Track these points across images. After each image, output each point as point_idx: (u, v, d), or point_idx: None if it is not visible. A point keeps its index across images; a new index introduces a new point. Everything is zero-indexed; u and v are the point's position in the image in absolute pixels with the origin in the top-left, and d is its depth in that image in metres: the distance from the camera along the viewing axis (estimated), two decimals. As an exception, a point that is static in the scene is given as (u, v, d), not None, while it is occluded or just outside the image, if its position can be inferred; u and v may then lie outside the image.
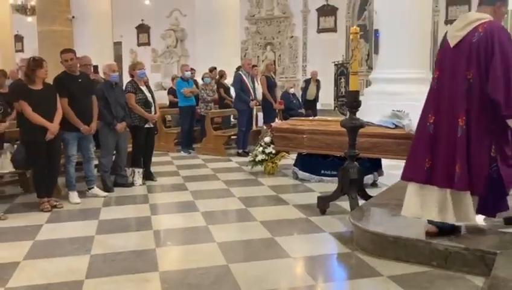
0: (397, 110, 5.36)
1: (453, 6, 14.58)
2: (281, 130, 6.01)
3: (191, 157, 7.82)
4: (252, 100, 7.80)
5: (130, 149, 5.90)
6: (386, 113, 5.45)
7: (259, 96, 8.62)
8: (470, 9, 14.22)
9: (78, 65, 5.14)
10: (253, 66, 9.47)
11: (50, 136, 4.55)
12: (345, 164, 4.29)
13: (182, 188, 5.59)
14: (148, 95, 5.86)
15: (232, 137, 8.51)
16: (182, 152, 8.15)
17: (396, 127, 5.20)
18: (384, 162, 5.81)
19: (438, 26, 14.69)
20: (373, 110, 7.47)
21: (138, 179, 5.74)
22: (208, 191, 5.42)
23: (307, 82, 11.46)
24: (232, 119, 9.05)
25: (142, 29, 19.97)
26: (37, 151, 4.55)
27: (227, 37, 11.90)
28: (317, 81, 11.45)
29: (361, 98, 4.40)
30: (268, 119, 7.91)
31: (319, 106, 11.66)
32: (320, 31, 16.78)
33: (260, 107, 8.62)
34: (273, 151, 6.17)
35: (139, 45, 20.18)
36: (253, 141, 7.80)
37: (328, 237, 3.82)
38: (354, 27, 4.24)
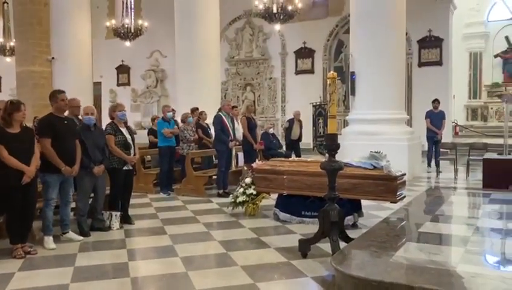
0: (375, 151, 5.42)
1: (425, 50, 15.15)
2: (262, 171, 6.00)
3: (170, 199, 7.70)
4: (231, 141, 7.82)
5: (107, 191, 5.79)
6: (364, 154, 5.50)
7: (240, 137, 8.66)
8: (441, 52, 14.84)
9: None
10: (234, 106, 9.57)
11: (26, 179, 4.44)
12: (325, 206, 4.28)
13: (161, 232, 5.47)
14: (128, 136, 5.82)
15: (213, 177, 8.45)
16: (161, 193, 8.04)
17: (375, 168, 5.24)
18: (364, 202, 5.82)
19: (412, 68, 15.21)
20: (351, 150, 7.57)
21: (115, 222, 5.61)
22: (187, 235, 5.31)
23: (291, 122, 11.65)
24: (214, 159, 9.03)
25: (122, 69, 20.07)
26: (12, 196, 4.42)
27: (207, 78, 12.03)
28: (300, 121, 11.64)
29: (339, 138, 4.46)
30: (249, 160, 7.92)
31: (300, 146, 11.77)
32: (298, 72, 17.16)
33: (240, 147, 8.64)
34: (254, 193, 6.13)
35: (118, 85, 20.22)
36: (234, 181, 7.75)
37: (309, 282, 3.76)
38: (331, 72, 4.33)
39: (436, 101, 11.02)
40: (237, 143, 8.33)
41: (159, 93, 18.85)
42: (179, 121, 9.16)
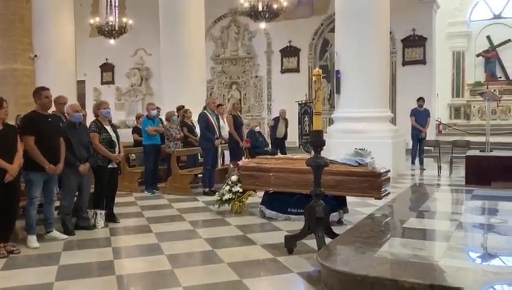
0: (360, 149, 5.47)
1: (409, 48, 15.31)
2: (248, 169, 6.01)
3: (155, 198, 7.68)
4: (217, 139, 7.82)
5: (92, 190, 5.74)
6: (349, 152, 5.55)
7: (225, 135, 8.65)
8: (424, 51, 15.02)
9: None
10: (219, 105, 9.55)
11: (9, 178, 4.38)
12: (311, 203, 4.31)
13: (146, 230, 5.45)
14: (113, 134, 5.78)
15: (199, 175, 8.44)
16: (146, 192, 8.01)
17: (360, 165, 5.29)
18: (349, 199, 5.88)
19: (396, 67, 15.36)
20: (336, 148, 7.64)
21: (100, 221, 5.57)
22: (173, 233, 5.30)
23: (276, 120, 11.68)
24: (200, 158, 9.02)
25: (106, 67, 19.89)
26: (-7, 195, 4.35)
27: (192, 76, 11.97)
28: (286, 119, 11.67)
29: (324, 135, 4.49)
30: (235, 158, 7.93)
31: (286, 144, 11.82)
32: (283, 71, 17.20)
33: (226, 145, 8.64)
34: (240, 190, 6.14)
35: (103, 83, 20.04)
36: (220, 179, 7.76)
37: (296, 278, 3.79)
38: (317, 69, 4.36)
39: (421, 100, 11.15)
40: (223, 141, 8.33)
41: (143, 91, 18.72)
42: (164, 119, 9.13)
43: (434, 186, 8.01)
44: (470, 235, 4.38)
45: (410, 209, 5.58)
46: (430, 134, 12.50)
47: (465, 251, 3.86)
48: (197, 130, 8.72)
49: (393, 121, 12.28)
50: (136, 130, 9.52)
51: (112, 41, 14.82)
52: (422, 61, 15.08)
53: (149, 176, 8.10)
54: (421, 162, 10.58)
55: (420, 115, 10.97)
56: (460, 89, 18.55)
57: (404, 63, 15.33)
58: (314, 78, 4.28)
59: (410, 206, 5.84)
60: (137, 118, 10.00)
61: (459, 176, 9.20)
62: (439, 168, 10.01)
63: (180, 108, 9.79)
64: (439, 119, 17.03)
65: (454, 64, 18.54)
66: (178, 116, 9.14)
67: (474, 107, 18.21)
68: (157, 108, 9.21)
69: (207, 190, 7.78)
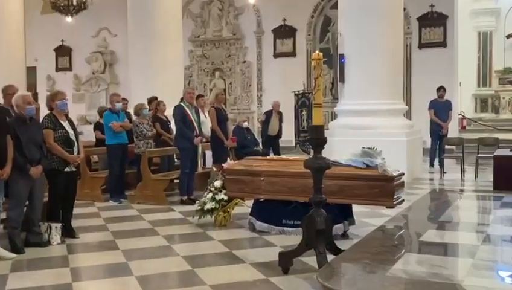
0: (368, 147, 5.51)
1: (427, 28, 15.40)
2: (234, 172, 6.02)
3: (122, 208, 7.66)
4: (197, 136, 7.82)
5: (46, 198, 5.71)
6: (355, 151, 5.59)
7: (207, 132, 8.65)
8: (445, 32, 15.11)
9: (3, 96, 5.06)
10: (199, 96, 9.54)
11: None
12: (310, 212, 4.34)
13: (112, 247, 5.44)
14: (70, 131, 5.77)
15: (175, 181, 8.43)
16: (111, 201, 7.99)
17: (368, 167, 5.33)
18: (355, 208, 5.92)
19: (411, 50, 15.47)
20: (340, 147, 7.67)
21: (56, 236, 5.55)
22: (144, 250, 5.30)
23: (268, 115, 11.71)
24: (176, 160, 9.00)
25: (62, 51, 19.74)
26: None
27: (167, 62, 11.97)
28: (280, 113, 11.70)
29: (326, 132, 4.52)
30: (218, 159, 7.93)
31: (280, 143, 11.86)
32: (277, 55, 17.23)
33: (208, 144, 8.64)
34: (225, 198, 6.15)
35: (58, 70, 19.90)
36: (201, 185, 7.76)
37: (292, 302, 3.81)
38: (317, 52, 4.38)
39: (441, 89, 11.25)
40: (204, 139, 8.32)
41: (107, 80, 18.63)
42: (132, 113, 9.10)
43: (457, 193, 8.08)
44: (499, 249, 4.42)
45: (428, 220, 5.62)
46: (452, 130, 12.65)
47: (494, 268, 3.90)
48: (173, 126, 8.71)
49: (407, 114, 12.37)
50: (98, 127, 9.48)
51: (68, 19, 14.73)
52: (442, 44, 15.21)
53: (114, 182, 8.08)
54: (441, 164, 10.67)
55: (440, 108, 11.08)
56: (487, 76, 18.72)
57: (421, 46, 15.46)
58: (313, 64, 4.30)
59: (428, 216, 5.89)
60: (100, 112, 9.95)
61: (487, 180, 9.29)
62: (463, 170, 10.11)
63: (152, 100, 9.77)
64: (462, 113, 17.19)
65: (480, 47, 18.70)
66: (149, 110, 9.11)
67: (504, 98, 18.40)
68: (124, 100, 9.18)
69: (185, 198, 7.77)
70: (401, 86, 10.55)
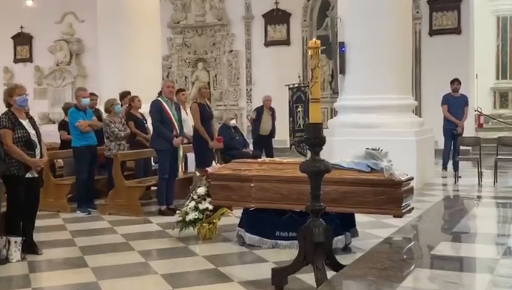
0: (373, 148, 5.53)
1: (438, 13, 15.47)
2: (221, 178, 6.01)
3: (92, 219, 7.65)
4: (177, 136, 7.81)
5: (3, 209, 5.69)
6: (358, 153, 5.61)
7: (189, 131, 8.64)
8: (459, 17, 15.18)
9: None
10: (180, 90, 9.53)
11: None
12: (307, 222, 4.35)
13: (80, 264, 5.43)
14: (32, 131, 5.76)
15: (152, 188, 8.41)
16: (79, 212, 7.98)
17: (373, 170, 5.36)
18: (359, 218, 5.94)
19: (421, 38, 15.54)
20: (341, 148, 7.70)
21: (15, 252, 5.52)
22: (117, 268, 5.29)
23: (259, 112, 11.71)
24: (153, 163, 8.98)
25: (21, 39, 19.66)
26: None
27: (142, 51, 11.94)
28: (272, 110, 11.71)
29: (325, 132, 4.53)
30: (202, 163, 7.91)
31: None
32: (268, 43, 17.25)
33: (190, 145, 8.64)
34: (210, 207, 6.15)
35: (16, 61, 19.81)
36: (182, 192, 7.76)
37: (287, 325, 3.82)
38: (314, 39, 4.41)
39: (456, 82, 11.31)
40: (185, 140, 8.32)
41: (73, 72, 18.56)
42: (102, 110, 9.07)
43: (473, 200, 8.14)
44: (521, 263, 4.46)
45: (441, 231, 5.65)
46: (468, 129, 12.71)
47: (515, 284, 3.93)
48: (149, 125, 8.70)
49: (417, 111, 12.48)
50: (63, 126, 9.40)
51: (29, 2, 14.65)
52: (456, 30, 15.30)
53: (82, 190, 8.05)
54: (456, 167, 10.73)
55: (455, 103, 11.13)
56: (507, 67, 18.80)
57: (432, 33, 15.53)
58: (310, 52, 4.32)
59: (441, 226, 5.91)
60: (66, 109, 9.91)
61: (507, 185, 9.37)
62: (480, 174, 10.18)
63: (124, 95, 9.74)
64: (479, 109, 17.27)
65: (500, 34, 18.78)
66: (122, 106, 9.08)
67: (526, 92, 18.52)
68: (92, 95, 9.15)
69: (164, 207, 7.77)
70: (409, 78, 10.61)
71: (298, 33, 16.92)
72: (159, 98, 7.92)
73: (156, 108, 7.81)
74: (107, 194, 8.16)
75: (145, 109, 8.97)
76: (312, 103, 4.32)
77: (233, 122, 10.81)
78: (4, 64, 19.72)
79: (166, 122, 7.76)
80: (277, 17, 17.12)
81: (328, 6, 16.37)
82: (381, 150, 5.46)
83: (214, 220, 6.29)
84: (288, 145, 14.04)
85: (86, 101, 8.19)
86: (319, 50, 4.32)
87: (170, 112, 7.83)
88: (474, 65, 15.92)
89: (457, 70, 13.46)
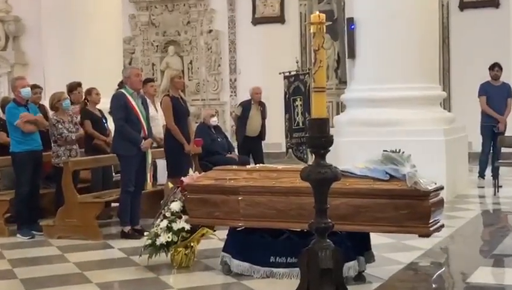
0: (392, 151, 5.55)
1: (471, -20, 15.56)
2: (200, 190, 6.01)
3: (36, 245, 7.62)
4: (145, 138, 7.80)
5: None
6: (373, 157, 5.63)
7: (158, 132, 8.62)
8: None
9: None
10: (147, 80, 9.51)
11: None
12: (310, 244, 4.35)
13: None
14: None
15: (113, 204, 8.39)
16: (20, 235, 7.94)
17: (392, 178, 5.37)
18: (375, 238, 5.94)
19: (450, 13, 15.62)
20: (350, 151, 7.72)
21: None
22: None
23: (246, 107, 11.68)
24: (114, 174, 8.94)
25: None
26: None
27: (98, 33, 11.91)
28: (262, 104, 11.69)
29: (331, 131, 4.54)
30: (176, 171, 7.91)
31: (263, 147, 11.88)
32: (257, 21, 17.30)
33: (161, 150, 8.62)
34: (187, 227, 6.14)
35: None
36: (151, 209, 7.75)
37: None
38: (317, 13, 4.41)
39: (496, 67, 11.27)
40: (155, 143, 8.30)
41: (10, 59, 18.52)
42: (48, 106, 9.04)
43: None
44: None
45: (479, 253, 5.70)
46: (511, 126, 12.73)
47: None
48: (110, 124, 8.67)
49: (446, 104, 12.52)
50: (1, 127, 9.37)
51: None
52: (493, 3, 15.39)
53: (24, 207, 8.00)
54: (496, 175, 10.75)
55: (496, 94, 11.10)
56: (557, 49, 18.99)
57: (463, 6, 15.63)
58: (312, 30, 4.32)
59: (478, 247, 5.97)
60: (3, 105, 9.87)
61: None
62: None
63: (73, 87, 9.63)
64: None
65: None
66: (73, 102, 9.03)
67: None
68: (36, 87, 9.09)
69: (128, 229, 7.74)
70: (436, 63, 10.65)
71: (295, 8, 16.98)
72: (122, 90, 7.89)
73: (119, 103, 7.76)
74: (56, 213, 8.11)
75: (104, 104, 8.93)
76: (315, 92, 4.33)
77: (214, 120, 10.81)
78: None
79: (133, 121, 7.71)
80: (268, -13, 17.18)
81: (333, -27, 16.44)
82: (403, 153, 5.48)
83: (192, 244, 6.27)
84: (284, 149, 14.03)
85: (27, 91, 8.11)
86: (324, 26, 4.33)
87: (137, 108, 7.80)
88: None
89: (495, 52, 13.52)
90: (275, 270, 5.74)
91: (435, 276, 4.88)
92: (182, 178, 6.39)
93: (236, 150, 11.33)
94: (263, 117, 11.67)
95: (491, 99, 11.08)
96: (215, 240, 6.48)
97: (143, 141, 7.74)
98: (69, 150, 8.43)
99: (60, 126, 8.41)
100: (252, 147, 11.47)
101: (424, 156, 6.75)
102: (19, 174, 8.02)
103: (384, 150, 5.58)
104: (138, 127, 7.75)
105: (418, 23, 9.75)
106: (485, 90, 11.18)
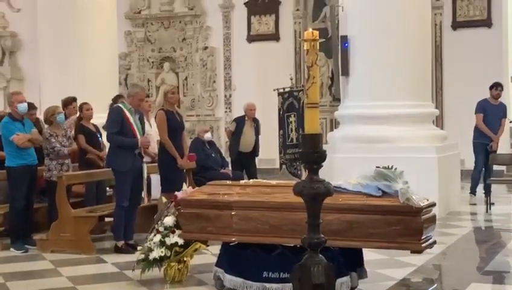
0: (384, 167, 5.55)
1: (463, 1, 15.60)
2: (193, 204, 6.00)
3: (30, 259, 7.60)
4: (140, 154, 7.79)
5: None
6: (366, 172, 5.63)
7: (153, 148, 8.61)
8: (489, 5, 15.31)
9: None
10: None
11: None
12: (302, 259, 4.34)
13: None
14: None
15: (107, 219, 8.36)
16: (13, 249, 7.92)
17: (385, 194, 5.37)
18: (368, 254, 5.93)
19: (442, 32, 15.67)
20: (344, 167, 7.71)
21: None
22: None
23: (240, 123, 11.71)
24: (108, 189, 8.91)
25: None
26: None
27: (94, 49, 11.92)
28: (256, 121, 11.72)
29: (324, 147, 4.54)
30: (169, 186, 7.89)
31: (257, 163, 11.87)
32: (252, 38, 17.34)
33: (155, 165, 8.61)
34: (180, 242, 6.12)
35: None
36: (146, 224, 7.72)
37: None
38: (310, 30, 4.42)
39: (498, 87, 11.19)
40: (149, 158, 8.28)
41: (7, 74, 18.53)
42: (42, 120, 9.03)
43: (510, 231, 8.19)
44: None
45: (472, 270, 5.68)
46: (502, 144, 12.72)
47: None
48: (104, 139, 8.65)
49: (438, 121, 12.53)
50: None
51: None
52: (486, 22, 15.45)
53: (18, 221, 7.98)
54: (488, 192, 10.74)
55: (493, 113, 11.07)
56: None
57: (456, 25, 15.69)
58: (305, 46, 4.33)
59: (471, 264, 5.96)
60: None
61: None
62: (518, 201, 10.25)
63: (68, 102, 9.66)
64: (515, 120, 17.37)
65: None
66: (67, 116, 9.02)
67: None
68: (31, 108, 9.07)
69: (121, 243, 7.72)
70: (428, 80, 10.67)
71: (289, 26, 17.03)
72: (120, 105, 7.90)
73: (116, 117, 7.75)
74: (49, 227, 8.08)
75: (99, 119, 8.92)
76: (309, 108, 4.33)
77: (208, 136, 10.81)
78: None
79: (128, 135, 7.71)
80: (263, 5, 17.23)
81: (327, -8, 16.49)
82: (395, 169, 5.49)
83: (185, 259, 6.25)
84: (278, 165, 14.01)
85: (23, 106, 8.11)
86: (317, 43, 4.34)
87: (134, 124, 7.80)
88: (508, 65, 16.00)
89: (487, 71, 13.58)
90: (267, 285, 5.71)
91: (427, 292, 4.85)
92: (176, 193, 6.39)
93: (230, 166, 11.32)
94: (257, 133, 11.70)
95: (487, 117, 11.07)
96: (208, 255, 6.45)
97: (139, 141, 7.75)
98: (61, 164, 8.41)
99: (53, 140, 8.40)
100: (245, 163, 11.49)
101: (417, 173, 6.75)
102: (14, 189, 8.00)
103: (377, 166, 5.59)
104: (133, 142, 7.76)
105: (411, 41, 9.78)
106: (483, 107, 11.16)
